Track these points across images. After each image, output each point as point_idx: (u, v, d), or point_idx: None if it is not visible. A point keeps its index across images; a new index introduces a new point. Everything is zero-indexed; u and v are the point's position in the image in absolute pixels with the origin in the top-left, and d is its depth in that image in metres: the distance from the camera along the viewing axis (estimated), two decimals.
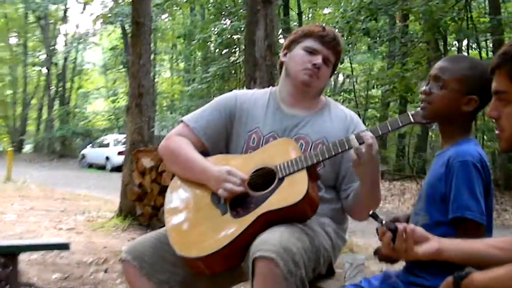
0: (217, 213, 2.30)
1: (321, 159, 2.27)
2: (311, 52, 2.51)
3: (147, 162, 7.56)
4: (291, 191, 2.21)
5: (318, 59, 2.49)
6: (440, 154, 1.99)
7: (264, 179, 2.33)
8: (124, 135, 12.67)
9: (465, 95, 1.95)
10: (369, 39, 15.36)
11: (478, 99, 1.94)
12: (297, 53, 2.53)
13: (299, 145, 2.43)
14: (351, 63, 21.23)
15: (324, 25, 2.63)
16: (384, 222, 1.69)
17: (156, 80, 31.47)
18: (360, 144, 2.17)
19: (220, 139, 2.56)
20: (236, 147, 2.54)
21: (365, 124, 2.65)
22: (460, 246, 1.67)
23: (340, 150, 2.26)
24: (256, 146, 2.49)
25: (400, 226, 1.65)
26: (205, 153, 2.53)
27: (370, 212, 1.71)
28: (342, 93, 21.54)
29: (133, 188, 7.74)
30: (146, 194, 7.57)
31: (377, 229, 1.71)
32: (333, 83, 31.23)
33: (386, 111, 19.57)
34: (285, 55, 2.60)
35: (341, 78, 30.19)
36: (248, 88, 6.87)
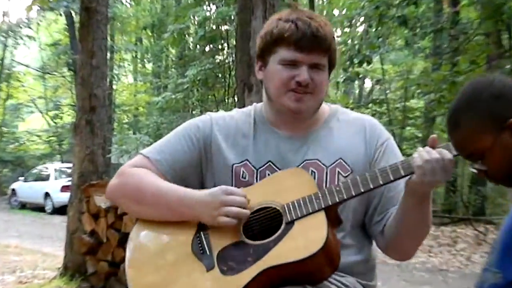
0: (200, 268, 2.31)
1: (345, 197, 2.29)
2: (291, 64, 2.48)
3: (101, 200, 7.55)
4: (303, 240, 2.22)
5: (303, 74, 2.45)
6: None
7: (266, 223, 2.34)
8: (70, 164, 12.63)
9: (502, 130, 2.00)
10: (406, 30, 15.42)
11: None
12: (274, 69, 2.51)
13: (309, 173, 2.45)
14: (382, 64, 21.37)
15: (295, 18, 2.50)
16: None
17: (114, 87, 31.55)
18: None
19: (192, 177, 2.58)
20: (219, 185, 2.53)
21: (400, 149, 2.67)
22: None
23: (381, 182, 2.28)
24: (249, 181, 2.50)
25: None
26: None
27: None
28: (370, 104, 21.56)
29: (83, 237, 7.71)
30: (101, 245, 7.55)
31: None
32: (357, 91, 31.40)
33: (430, 129, 19.58)
34: (260, 69, 2.60)
35: (368, 84, 30.33)
36: (242, 97, 6.90)
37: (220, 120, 2.64)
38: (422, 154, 2.22)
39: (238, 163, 2.53)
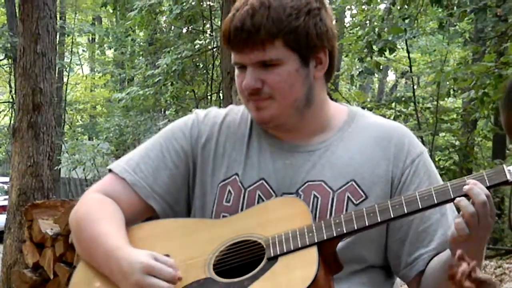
0: None
1: (345, 231, 2.29)
2: (240, 67, 2.50)
3: (48, 226, 7.53)
4: (285, 279, 2.23)
5: (247, 79, 2.44)
6: None
7: (244, 258, 2.35)
8: (7, 178, 12.63)
9: None
10: (440, 9, 15.47)
11: None
12: (236, 75, 2.53)
13: (311, 199, 2.45)
14: (408, 52, 21.35)
15: (238, 6, 2.46)
16: None
17: (65, 80, 31.55)
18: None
19: (180, 199, 2.59)
20: (201, 210, 2.55)
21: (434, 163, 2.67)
22: None
23: (392, 215, 2.28)
24: (233, 206, 2.49)
25: None
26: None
27: None
28: (393, 104, 21.54)
29: (24, 273, 7.70)
30: (47, 282, 7.54)
31: None
32: (377, 86, 31.46)
33: (471, 137, 19.59)
34: None
35: (391, 77, 30.39)
36: (228, 94, 6.89)
37: (211, 120, 2.62)
38: (465, 205, 2.17)
39: (225, 180, 2.52)
